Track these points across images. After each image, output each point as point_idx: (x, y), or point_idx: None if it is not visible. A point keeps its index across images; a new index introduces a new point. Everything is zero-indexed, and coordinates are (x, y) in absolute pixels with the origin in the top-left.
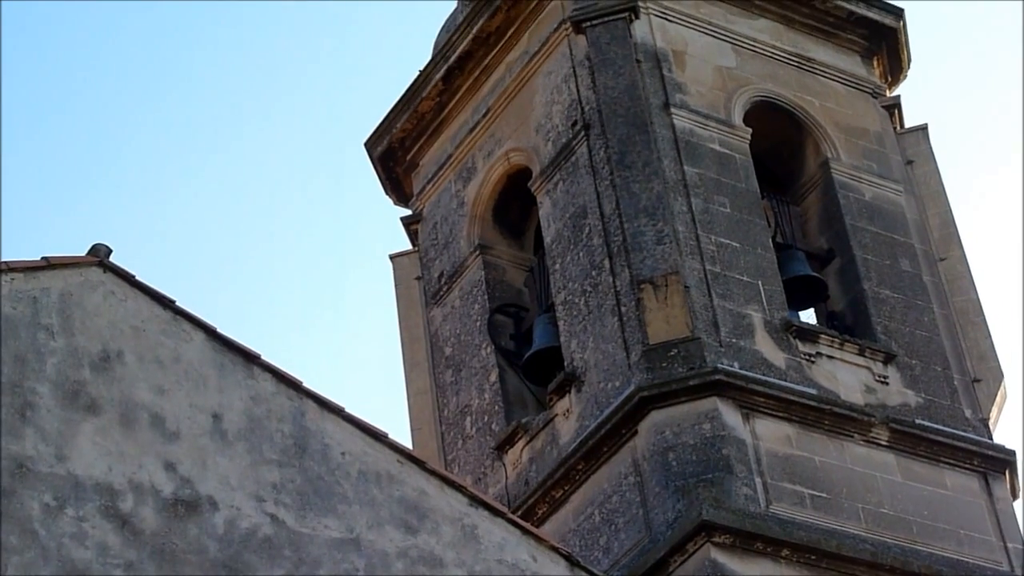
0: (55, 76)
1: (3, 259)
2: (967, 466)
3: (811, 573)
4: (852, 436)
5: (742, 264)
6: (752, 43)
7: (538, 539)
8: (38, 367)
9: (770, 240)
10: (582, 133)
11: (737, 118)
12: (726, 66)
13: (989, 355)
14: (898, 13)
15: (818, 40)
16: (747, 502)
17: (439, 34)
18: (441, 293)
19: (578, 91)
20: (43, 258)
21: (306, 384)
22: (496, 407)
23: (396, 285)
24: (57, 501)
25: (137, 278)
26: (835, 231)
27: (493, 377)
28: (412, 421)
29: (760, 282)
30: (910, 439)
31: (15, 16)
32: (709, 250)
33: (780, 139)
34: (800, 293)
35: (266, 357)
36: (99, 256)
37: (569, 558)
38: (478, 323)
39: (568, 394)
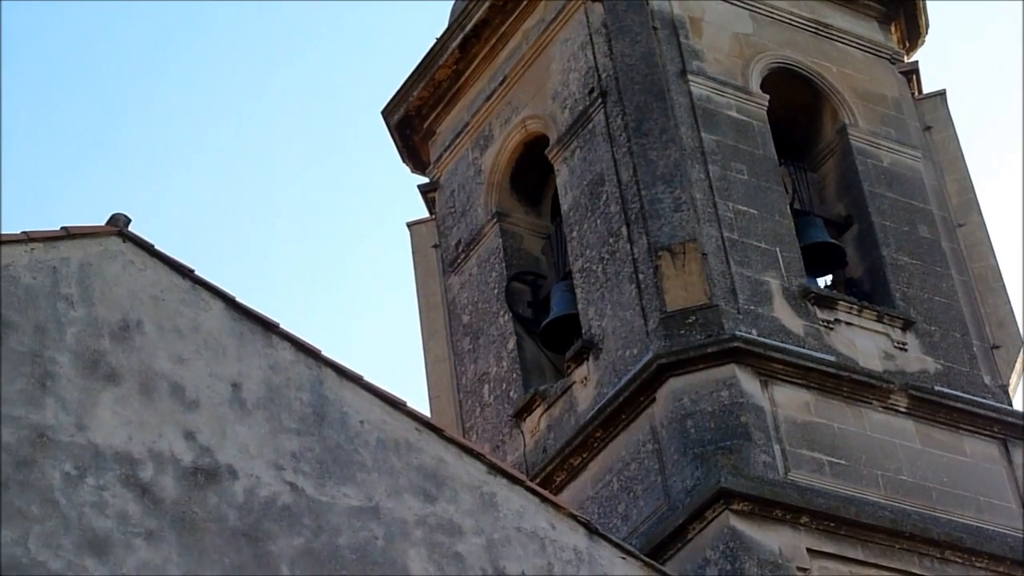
0: (73, 46)
1: (23, 229)
2: (986, 433)
3: (830, 540)
4: (871, 403)
5: (760, 231)
6: (769, 9)
7: (556, 507)
8: (58, 337)
9: (788, 207)
10: (599, 100)
11: (754, 85)
12: (743, 32)
13: (1008, 321)
14: None
15: (835, 6)
16: (766, 469)
17: (455, 2)
18: (458, 261)
19: (595, 58)
20: (62, 228)
21: (324, 353)
22: (514, 375)
23: (413, 253)
24: (78, 470)
25: (156, 247)
26: (853, 197)
27: (511, 345)
28: (430, 389)
29: (778, 249)
30: (929, 406)
31: None
32: (727, 217)
33: (798, 106)
34: (818, 260)
35: (285, 326)
36: (118, 226)
37: (588, 526)
38: (495, 291)
39: (586, 361)
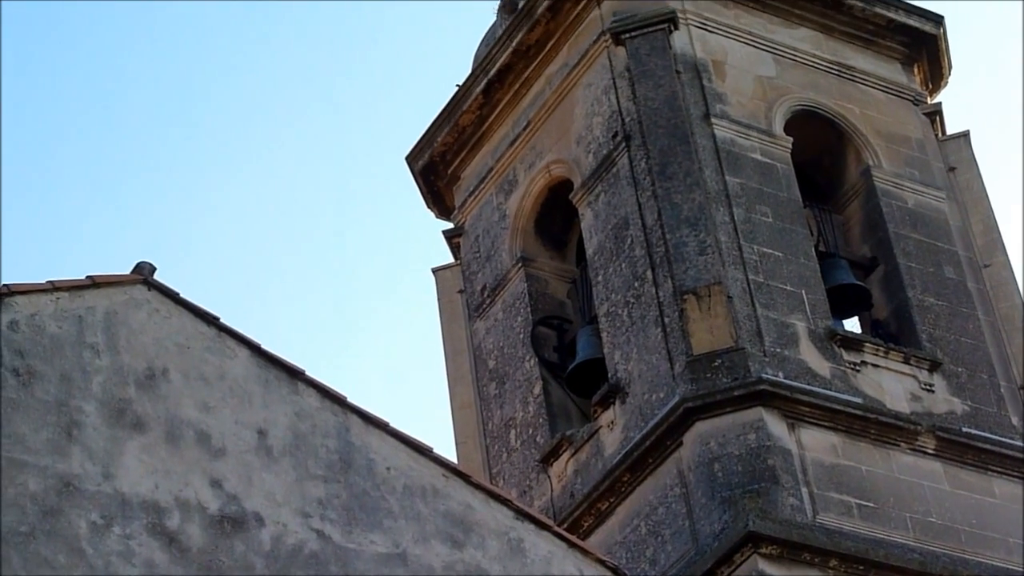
0: (96, 96)
1: (48, 278)
2: (1015, 473)
3: None
4: (898, 445)
5: (785, 273)
6: (792, 52)
7: (584, 552)
8: (84, 385)
9: (813, 249)
10: (623, 144)
11: (778, 127)
12: (766, 75)
13: None
14: (938, 20)
15: (858, 48)
16: (794, 512)
17: (479, 47)
18: (484, 306)
19: (618, 102)
20: (88, 277)
21: (350, 399)
22: (540, 419)
23: (439, 298)
24: (104, 519)
25: (181, 295)
26: (878, 239)
27: (537, 389)
28: (457, 435)
29: (803, 291)
30: (957, 447)
31: (59, 30)
32: (752, 260)
33: (821, 148)
34: (844, 302)
35: (310, 373)
36: (143, 274)
37: (616, 571)
38: (521, 335)
39: (612, 406)
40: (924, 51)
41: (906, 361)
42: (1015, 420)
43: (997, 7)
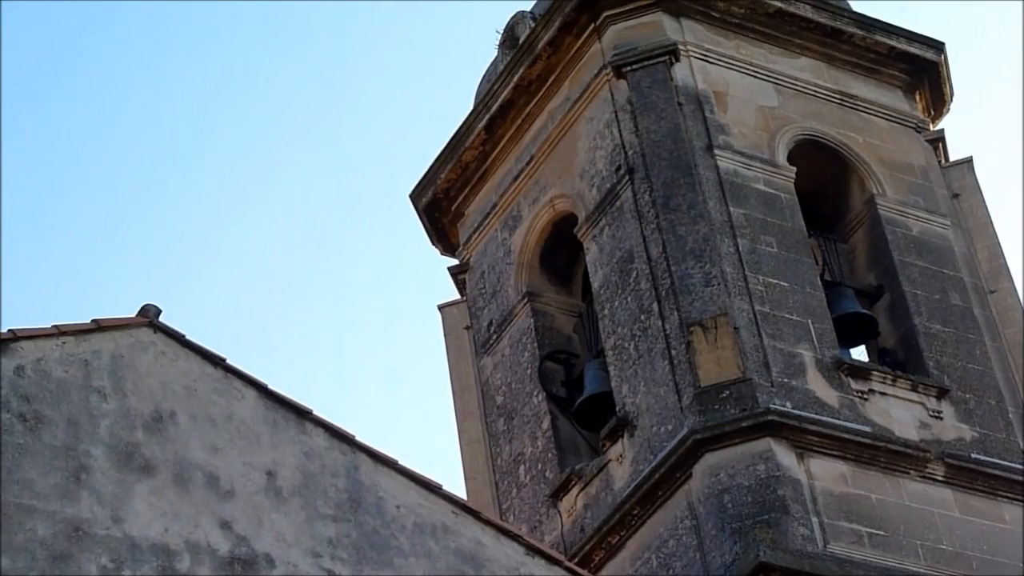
0: (98, 140)
1: (53, 323)
2: None
3: None
4: (908, 472)
5: (791, 303)
6: (794, 82)
7: None
8: (91, 430)
9: (818, 278)
10: (626, 178)
11: (781, 157)
12: (768, 106)
13: None
14: (939, 47)
15: (860, 76)
16: (804, 542)
17: (480, 83)
18: (491, 342)
19: (621, 136)
20: (93, 320)
21: (358, 438)
22: (549, 454)
23: (445, 335)
24: (114, 563)
25: (187, 337)
26: (883, 267)
27: (545, 424)
28: (466, 471)
29: (810, 321)
30: (967, 474)
31: (63, 67)
32: (757, 290)
33: (825, 177)
34: (850, 330)
35: (318, 412)
36: (148, 317)
37: None
38: (528, 371)
39: (621, 439)
40: (926, 78)
41: (914, 388)
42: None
43: (998, 32)
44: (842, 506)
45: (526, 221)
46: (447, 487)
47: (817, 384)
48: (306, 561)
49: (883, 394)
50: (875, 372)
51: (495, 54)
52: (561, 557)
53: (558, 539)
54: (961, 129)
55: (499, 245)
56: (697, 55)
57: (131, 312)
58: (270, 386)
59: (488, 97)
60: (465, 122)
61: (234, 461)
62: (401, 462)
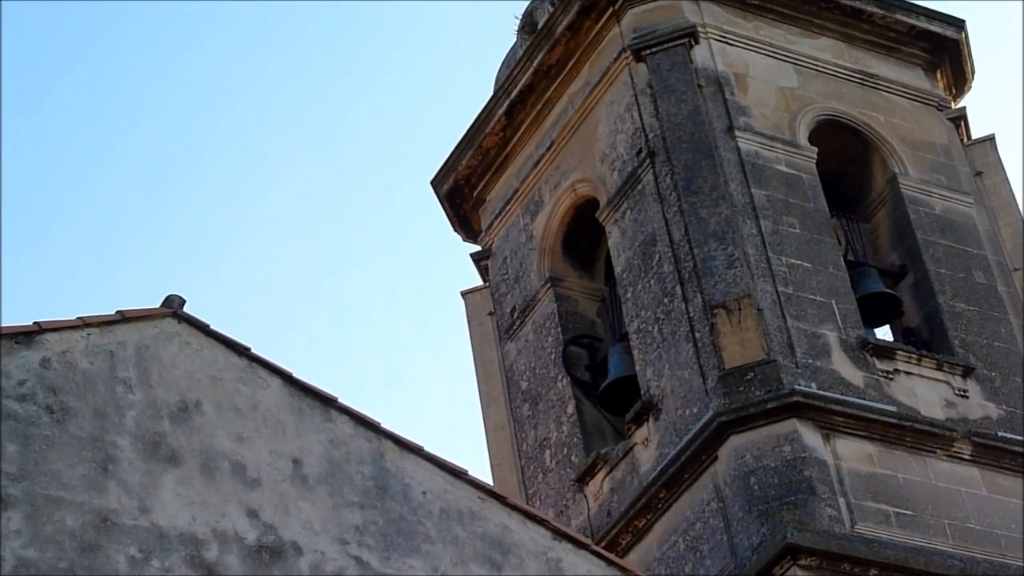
0: (119, 132)
1: (78, 315)
2: None
3: None
4: (934, 452)
5: (814, 284)
6: (814, 62)
7: (623, 569)
8: (118, 421)
9: (841, 258)
10: (647, 161)
11: (802, 138)
12: (789, 86)
13: None
14: (959, 24)
15: (880, 55)
16: (832, 523)
17: (500, 69)
18: (514, 327)
19: (641, 119)
20: (118, 312)
21: (384, 425)
22: (575, 439)
23: (469, 321)
24: (143, 553)
25: (212, 327)
26: (907, 246)
27: (570, 409)
28: (491, 457)
29: (834, 301)
30: (993, 452)
31: (90, 56)
32: (781, 272)
33: (847, 157)
34: (875, 310)
35: (343, 400)
36: (173, 307)
37: None
38: (553, 356)
39: (646, 422)
40: (946, 56)
41: (939, 368)
42: None
43: (1018, 8)
44: (869, 486)
45: (548, 206)
46: (473, 473)
47: (842, 364)
48: (333, 548)
49: (908, 373)
50: (900, 351)
51: (514, 40)
52: (588, 541)
53: (585, 523)
54: (983, 107)
55: (521, 231)
56: (716, 37)
57: (155, 303)
58: (295, 374)
59: (508, 83)
60: (485, 108)
61: (260, 450)
62: (427, 448)
